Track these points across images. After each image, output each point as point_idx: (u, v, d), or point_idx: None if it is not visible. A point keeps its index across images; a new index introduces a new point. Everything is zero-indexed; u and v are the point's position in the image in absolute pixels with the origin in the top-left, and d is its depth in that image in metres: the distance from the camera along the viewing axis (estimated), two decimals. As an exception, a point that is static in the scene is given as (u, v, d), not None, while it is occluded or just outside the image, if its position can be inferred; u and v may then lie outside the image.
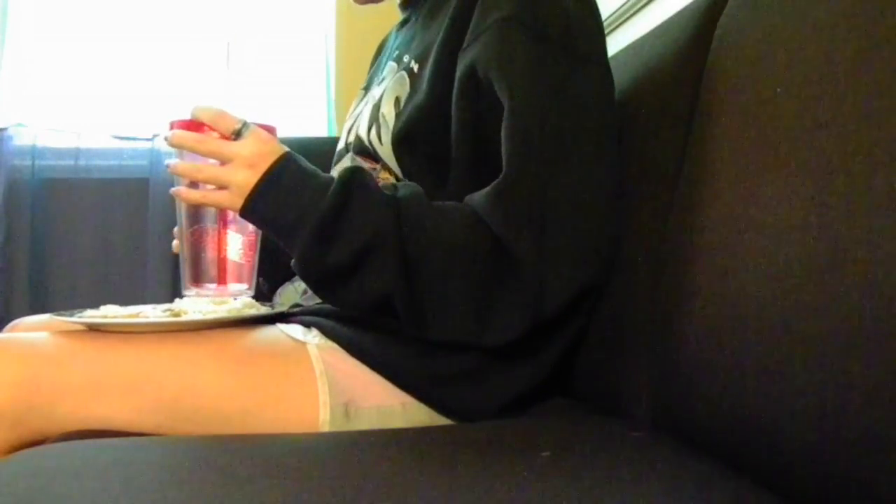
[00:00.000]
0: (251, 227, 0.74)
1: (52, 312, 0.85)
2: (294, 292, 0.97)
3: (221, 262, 0.73)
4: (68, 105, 1.98)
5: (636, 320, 0.72)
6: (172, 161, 0.73)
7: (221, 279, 0.73)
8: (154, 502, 0.46)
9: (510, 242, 0.70)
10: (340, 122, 2.01)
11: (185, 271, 0.73)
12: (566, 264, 0.72)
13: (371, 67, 1.18)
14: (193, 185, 0.73)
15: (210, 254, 0.73)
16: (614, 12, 1.41)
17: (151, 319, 0.77)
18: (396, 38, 1.01)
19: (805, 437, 0.46)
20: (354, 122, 0.97)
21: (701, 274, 0.60)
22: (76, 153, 1.93)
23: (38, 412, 0.70)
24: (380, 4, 1.03)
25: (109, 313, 0.82)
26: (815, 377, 0.45)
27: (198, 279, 0.73)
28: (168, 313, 0.81)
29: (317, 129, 2.03)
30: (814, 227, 0.47)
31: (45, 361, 0.71)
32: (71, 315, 0.80)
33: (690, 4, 0.82)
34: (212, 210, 0.73)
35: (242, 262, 0.74)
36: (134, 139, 1.96)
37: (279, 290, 1.02)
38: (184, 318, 0.78)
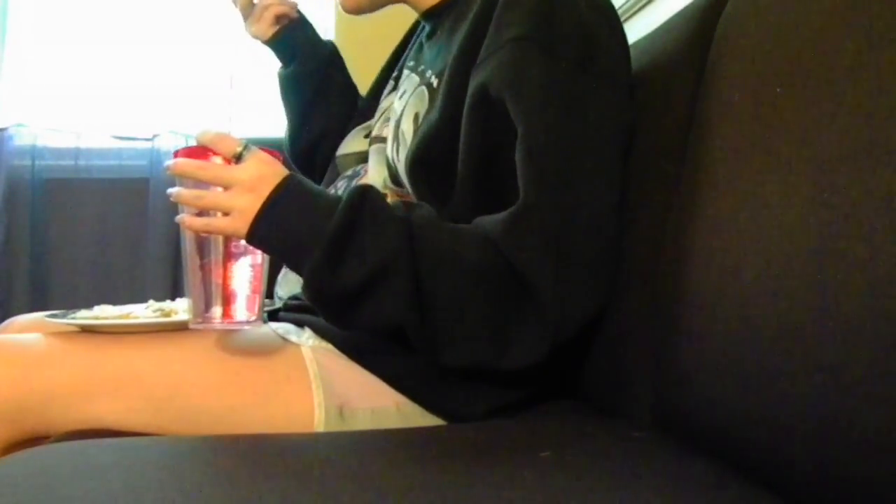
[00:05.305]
0: (258, 256, 0.71)
1: (45, 314, 0.85)
2: (296, 282, 0.96)
3: (228, 294, 0.71)
4: (68, 105, 1.98)
5: (637, 320, 0.72)
6: (174, 190, 0.70)
7: (227, 312, 0.70)
8: (154, 502, 0.46)
9: (528, 270, 0.68)
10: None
11: (192, 304, 0.70)
12: (584, 289, 0.71)
13: (400, 51, 1.10)
14: (198, 214, 0.70)
15: (216, 286, 0.70)
16: (614, 12, 1.40)
17: (142, 320, 0.77)
18: (421, 45, 0.97)
19: (805, 437, 0.46)
20: (382, 114, 0.97)
21: (701, 274, 0.60)
22: (76, 153, 1.93)
23: (30, 412, 0.70)
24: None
25: (101, 314, 0.82)
26: (815, 377, 0.45)
27: (205, 312, 0.70)
28: (158, 313, 0.81)
29: (317, 129, 2.03)
30: (814, 227, 0.47)
31: (36, 362, 0.72)
32: (64, 316, 0.80)
33: (690, 4, 0.82)
34: (218, 239, 0.70)
35: (249, 292, 0.71)
36: (134, 139, 1.95)
37: (279, 280, 1.02)
38: (174, 317, 0.78)
